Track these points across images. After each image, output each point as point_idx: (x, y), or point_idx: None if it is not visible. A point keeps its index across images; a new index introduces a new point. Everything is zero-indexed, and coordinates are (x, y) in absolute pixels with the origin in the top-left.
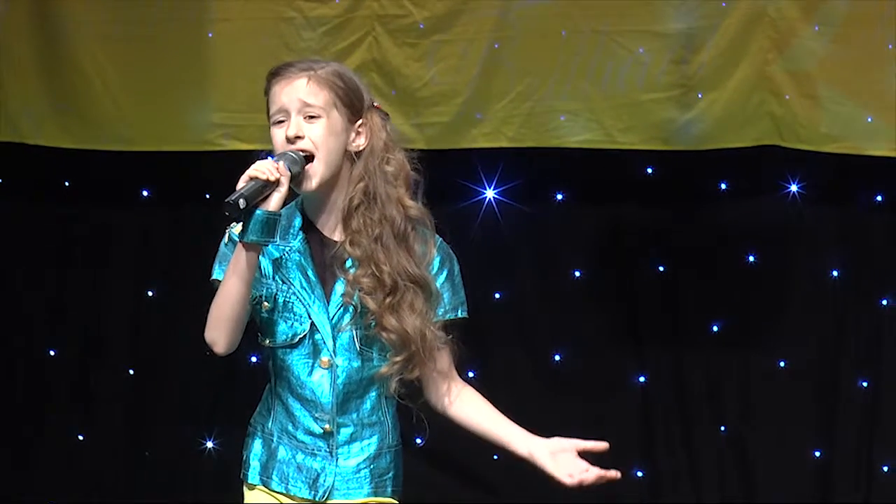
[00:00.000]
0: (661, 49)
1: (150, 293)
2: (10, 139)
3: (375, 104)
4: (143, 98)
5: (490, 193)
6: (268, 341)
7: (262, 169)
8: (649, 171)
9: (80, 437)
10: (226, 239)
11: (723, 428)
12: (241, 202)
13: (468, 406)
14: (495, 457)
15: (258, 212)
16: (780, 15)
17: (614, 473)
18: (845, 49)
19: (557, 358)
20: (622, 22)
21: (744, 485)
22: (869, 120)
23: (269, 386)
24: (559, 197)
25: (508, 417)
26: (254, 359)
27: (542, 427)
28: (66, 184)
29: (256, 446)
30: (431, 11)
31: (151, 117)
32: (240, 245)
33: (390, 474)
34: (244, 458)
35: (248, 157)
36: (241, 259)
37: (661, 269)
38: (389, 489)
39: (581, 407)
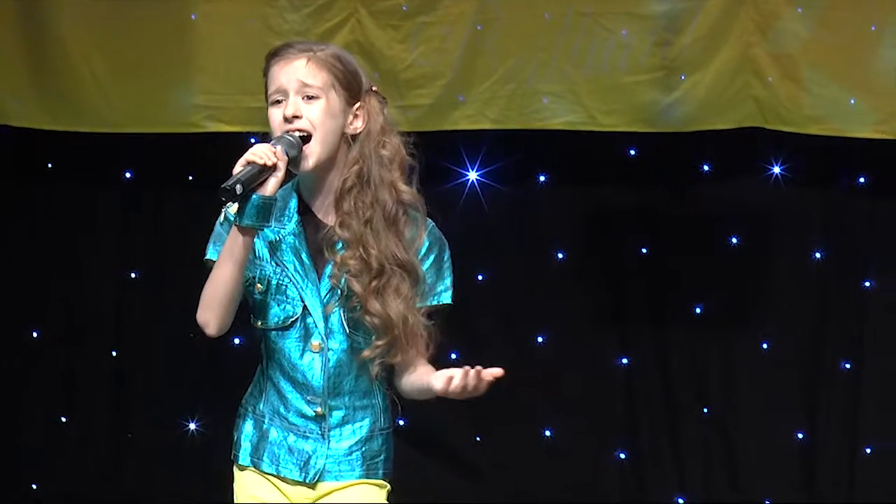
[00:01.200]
0: (643, 31)
1: (133, 275)
2: None
3: (373, 88)
4: (127, 80)
5: (473, 175)
6: (259, 323)
7: (260, 153)
8: (632, 153)
9: (63, 420)
10: (221, 218)
11: (706, 410)
12: (238, 187)
13: (411, 377)
14: (478, 437)
15: (254, 196)
16: None
17: (482, 373)
18: (828, 31)
19: (540, 340)
20: (605, 4)
21: (727, 467)
22: (852, 102)
23: (260, 367)
24: (542, 179)
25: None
26: (237, 340)
27: (524, 409)
28: (49, 165)
29: (247, 427)
30: None
31: (135, 99)
32: (235, 228)
33: (382, 457)
34: (235, 439)
35: (231, 140)
36: (236, 242)
37: (644, 251)
38: (381, 471)
39: (564, 389)
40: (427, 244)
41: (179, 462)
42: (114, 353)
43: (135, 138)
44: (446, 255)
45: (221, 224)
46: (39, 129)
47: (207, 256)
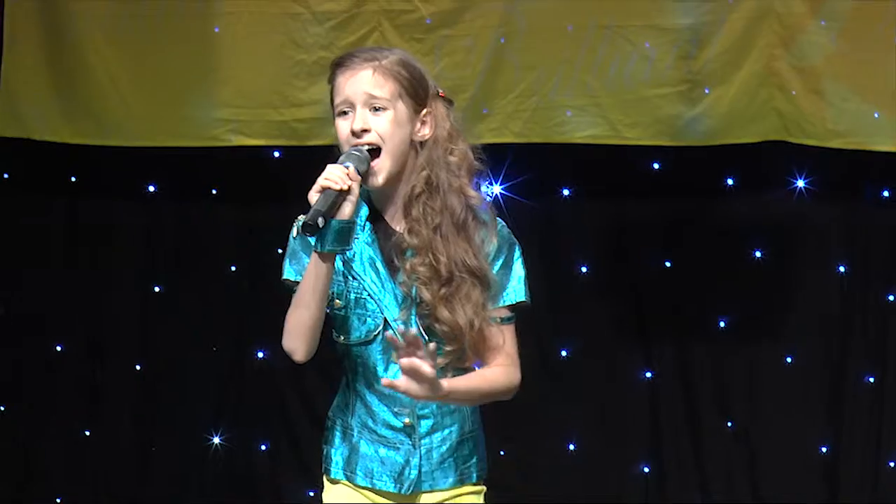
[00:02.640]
0: (667, 44)
1: (156, 289)
2: (17, 135)
3: (440, 92)
4: (150, 93)
5: (496, 189)
6: (342, 338)
7: (334, 178)
8: (656, 166)
9: (87, 433)
10: (294, 233)
11: (729, 423)
12: (320, 221)
13: None
14: (501, 452)
15: (333, 222)
16: (786, 10)
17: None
18: (852, 44)
19: (564, 353)
20: (628, 17)
21: (750, 480)
22: (875, 115)
23: (345, 380)
24: (565, 192)
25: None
26: (260, 354)
27: (548, 422)
28: (73, 179)
29: (337, 441)
30: (438, 6)
31: (158, 112)
32: (315, 255)
33: (473, 460)
34: (325, 452)
35: (255, 153)
36: (319, 268)
37: (667, 264)
38: (475, 475)
39: (588, 402)
40: (497, 246)
41: (203, 476)
42: (137, 367)
43: (158, 152)
44: (516, 254)
45: (295, 238)
46: (62, 142)
47: (285, 276)
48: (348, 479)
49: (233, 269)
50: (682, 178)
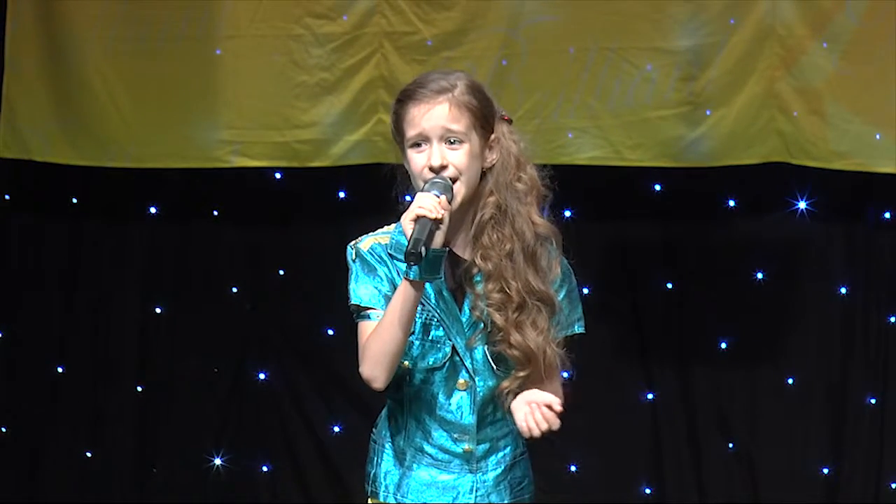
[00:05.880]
0: (669, 66)
1: (157, 310)
2: (18, 156)
3: (503, 115)
4: (152, 115)
5: None
6: (406, 363)
7: (429, 207)
8: (657, 188)
9: (88, 455)
10: (352, 255)
11: (731, 445)
12: (423, 250)
13: None
14: None
15: (428, 251)
16: (788, 32)
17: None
18: (853, 66)
19: (566, 375)
20: (630, 39)
21: (751, 501)
22: (877, 137)
23: (397, 403)
24: (567, 214)
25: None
26: (262, 375)
27: (550, 445)
28: (74, 200)
29: (387, 464)
30: (439, 28)
31: (159, 134)
32: (405, 283)
33: (525, 481)
34: (371, 474)
35: (257, 175)
36: (408, 297)
37: (669, 285)
38: (527, 495)
39: (589, 425)
40: (561, 275)
41: (204, 497)
42: (139, 388)
43: (159, 173)
44: (574, 285)
45: (354, 261)
46: (64, 164)
47: (354, 301)
48: (398, 502)
49: (234, 290)
50: (683, 200)
